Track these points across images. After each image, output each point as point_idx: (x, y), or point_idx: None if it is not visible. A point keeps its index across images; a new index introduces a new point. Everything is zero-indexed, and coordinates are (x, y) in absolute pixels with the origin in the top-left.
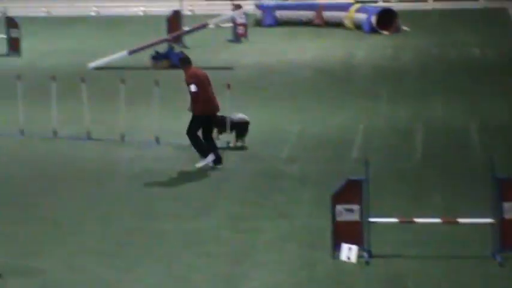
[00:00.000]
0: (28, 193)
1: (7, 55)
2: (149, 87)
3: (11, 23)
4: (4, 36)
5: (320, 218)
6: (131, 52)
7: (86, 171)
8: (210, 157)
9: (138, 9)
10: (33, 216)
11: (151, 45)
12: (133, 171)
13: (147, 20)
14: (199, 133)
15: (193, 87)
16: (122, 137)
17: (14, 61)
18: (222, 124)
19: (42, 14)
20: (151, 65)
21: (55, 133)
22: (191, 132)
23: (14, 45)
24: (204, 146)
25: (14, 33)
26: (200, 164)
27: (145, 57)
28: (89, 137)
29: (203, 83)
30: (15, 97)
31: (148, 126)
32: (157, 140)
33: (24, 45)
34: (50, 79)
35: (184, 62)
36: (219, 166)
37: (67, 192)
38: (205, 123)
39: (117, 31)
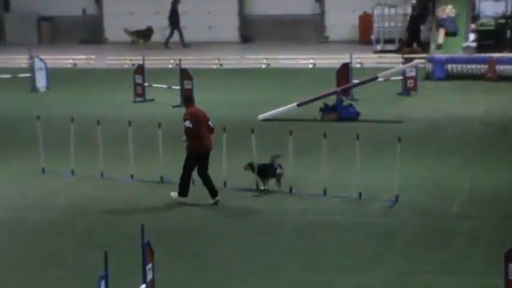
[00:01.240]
0: (200, 241)
1: (181, 106)
2: (317, 140)
3: (185, 74)
4: (178, 87)
5: (492, 276)
6: (300, 104)
7: (255, 222)
8: (183, 199)
9: (308, 62)
10: (205, 265)
11: (320, 97)
12: (300, 222)
13: (316, 72)
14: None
15: (187, 123)
16: (290, 189)
17: None
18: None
19: (214, 67)
20: (320, 117)
21: (225, 183)
22: (185, 169)
23: None
24: (186, 187)
25: (187, 85)
26: (173, 194)
27: (314, 110)
28: (257, 188)
29: (199, 122)
30: None
31: (316, 178)
32: (324, 192)
33: (197, 96)
34: (221, 130)
35: (187, 100)
36: (217, 198)
37: (237, 242)
38: (199, 161)
39: (286, 83)
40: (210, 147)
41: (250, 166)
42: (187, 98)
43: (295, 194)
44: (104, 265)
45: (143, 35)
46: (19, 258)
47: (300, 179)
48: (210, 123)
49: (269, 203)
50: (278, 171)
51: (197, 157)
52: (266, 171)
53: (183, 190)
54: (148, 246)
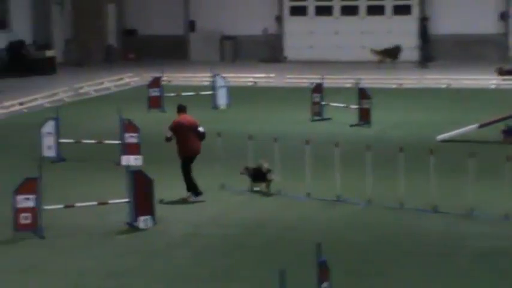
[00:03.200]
0: (373, 261)
1: (358, 125)
2: (499, 162)
3: (363, 94)
4: (356, 106)
5: None
6: (482, 125)
7: (430, 244)
8: (200, 195)
9: (490, 83)
10: (384, 286)
11: (503, 119)
12: (480, 248)
13: (499, 93)
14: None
15: (168, 133)
16: (470, 212)
17: (364, 131)
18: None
19: (394, 86)
20: (502, 139)
21: (401, 204)
22: (183, 171)
23: (364, 116)
24: (194, 185)
25: (365, 104)
26: (189, 198)
27: (495, 132)
28: (435, 210)
29: (184, 130)
30: (364, 166)
31: (498, 202)
32: (507, 216)
33: (375, 115)
34: (398, 150)
35: (178, 109)
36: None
37: (411, 264)
38: (188, 163)
39: (467, 104)
40: (196, 151)
41: (247, 170)
42: (178, 107)
43: (475, 216)
44: (279, 282)
45: (391, 54)
46: (199, 272)
47: (481, 202)
48: (200, 129)
49: (446, 224)
50: (268, 176)
51: (187, 159)
52: (258, 176)
53: (193, 188)
54: (324, 265)
